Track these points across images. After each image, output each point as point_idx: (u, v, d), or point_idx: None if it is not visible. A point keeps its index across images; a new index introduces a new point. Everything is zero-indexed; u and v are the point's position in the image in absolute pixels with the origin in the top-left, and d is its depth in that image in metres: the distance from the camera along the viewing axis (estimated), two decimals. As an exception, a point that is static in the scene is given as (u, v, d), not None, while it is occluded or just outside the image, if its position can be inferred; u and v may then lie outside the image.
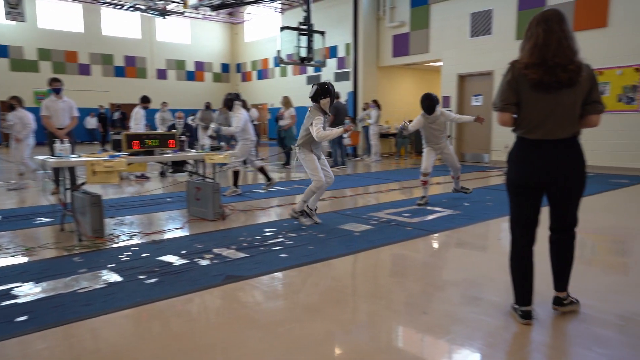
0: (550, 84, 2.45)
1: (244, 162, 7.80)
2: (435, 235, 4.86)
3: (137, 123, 9.38)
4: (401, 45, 14.36)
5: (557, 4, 10.75)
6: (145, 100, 9.60)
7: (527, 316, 2.64)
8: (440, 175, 10.12)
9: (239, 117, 7.11)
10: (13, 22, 19.12)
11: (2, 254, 4.16)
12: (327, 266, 3.85)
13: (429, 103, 6.26)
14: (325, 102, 5.04)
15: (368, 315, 2.89)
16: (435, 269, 3.83)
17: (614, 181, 8.46)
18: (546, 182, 2.62)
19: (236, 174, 7.40)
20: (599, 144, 10.39)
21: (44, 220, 5.56)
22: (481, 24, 12.29)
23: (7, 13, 18.20)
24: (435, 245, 4.59)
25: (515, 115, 2.69)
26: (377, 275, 3.72)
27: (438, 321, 2.74)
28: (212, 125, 7.55)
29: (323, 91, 5.04)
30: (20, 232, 4.99)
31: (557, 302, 2.80)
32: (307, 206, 5.28)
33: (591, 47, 10.41)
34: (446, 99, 13.23)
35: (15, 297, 3.13)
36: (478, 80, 12.67)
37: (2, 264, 3.89)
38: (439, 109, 6.37)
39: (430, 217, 5.66)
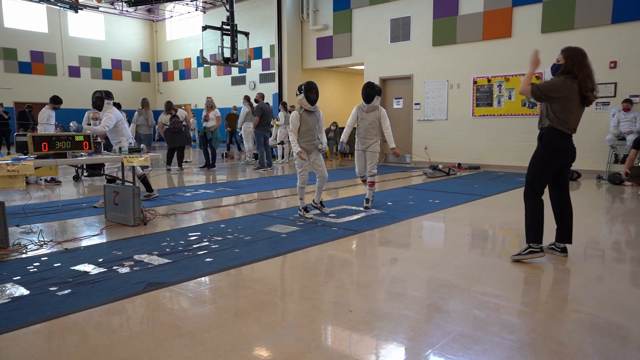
0: (589, 104, 3.85)
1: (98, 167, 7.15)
2: (360, 234, 4.99)
3: (44, 124, 8.67)
4: (325, 48, 14.59)
5: (468, 14, 11.47)
6: (55, 100, 8.90)
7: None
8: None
9: (109, 117, 6.37)
10: None
11: None
12: (253, 269, 3.82)
13: (369, 91, 6.04)
14: (299, 98, 5.56)
15: (295, 316, 2.90)
16: (360, 267, 3.93)
17: (520, 179, 9.18)
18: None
19: (144, 178, 6.97)
20: (507, 145, 11.23)
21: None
22: (400, 29, 12.80)
23: None
24: (360, 244, 4.72)
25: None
26: (303, 276, 3.75)
27: (363, 318, 2.82)
28: (71, 124, 6.69)
29: (298, 89, 5.55)
30: None
31: (564, 250, 4.09)
32: (313, 201, 5.99)
33: (498, 56, 11.24)
34: (369, 102, 13.61)
35: None
36: (399, 84, 13.19)
37: None
38: (379, 101, 6.11)
39: (355, 217, 5.79)
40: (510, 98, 11.07)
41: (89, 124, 9.59)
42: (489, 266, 3.79)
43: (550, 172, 3.88)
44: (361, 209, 6.28)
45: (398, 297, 3.17)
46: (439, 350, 2.42)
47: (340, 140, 6.36)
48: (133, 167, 5.52)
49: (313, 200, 5.99)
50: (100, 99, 6.45)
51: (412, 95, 12.77)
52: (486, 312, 2.89)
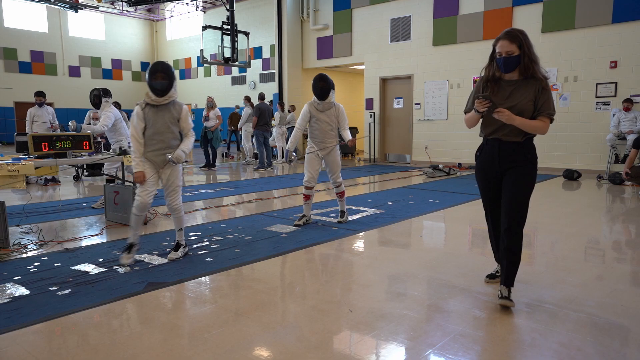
0: None
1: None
2: (361, 234, 4.99)
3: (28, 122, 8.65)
4: (325, 48, 14.58)
5: (468, 13, 11.46)
6: (37, 94, 8.85)
7: None
8: (365, 175, 10.41)
9: (107, 115, 6.25)
10: None
11: None
12: (254, 269, 3.82)
13: (322, 85, 5.03)
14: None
15: (296, 316, 2.90)
16: (361, 267, 3.93)
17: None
18: None
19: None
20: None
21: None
22: (401, 29, 12.79)
23: None
24: (361, 244, 4.71)
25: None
26: (304, 276, 3.75)
27: (363, 318, 2.82)
28: (70, 124, 6.60)
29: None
30: None
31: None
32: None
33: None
34: (369, 101, 13.63)
35: None
36: (399, 84, 13.18)
37: None
38: (334, 96, 5.15)
39: (356, 216, 5.79)
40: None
41: (89, 124, 9.60)
42: (490, 266, 3.78)
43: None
44: (362, 208, 6.27)
45: (398, 297, 3.16)
46: (440, 350, 2.41)
47: (287, 148, 5.37)
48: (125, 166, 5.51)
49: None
50: (98, 97, 6.34)
51: (412, 95, 12.76)
52: (487, 312, 2.89)
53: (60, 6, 19.16)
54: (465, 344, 2.48)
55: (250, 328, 2.69)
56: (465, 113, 3.13)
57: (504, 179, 3.00)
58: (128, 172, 6.05)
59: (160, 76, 3.78)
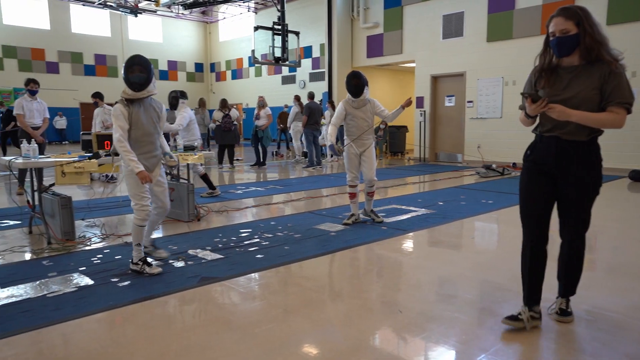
0: None
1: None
2: (410, 234, 4.92)
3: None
4: (375, 46, 14.48)
5: (525, 7, 11.02)
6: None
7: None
8: (415, 174, 10.26)
9: (183, 116, 6.76)
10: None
11: (-34, 259, 4.01)
12: (303, 266, 3.86)
13: (356, 82, 5.02)
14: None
15: (344, 314, 2.90)
16: (410, 267, 3.87)
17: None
18: None
19: (205, 176, 7.19)
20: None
21: (11, 223, 5.39)
22: (453, 25, 12.49)
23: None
24: (410, 244, 4.65)
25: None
26: (352, 275, 3.74)
27: (413, 320, 2.78)
28: None
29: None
30: (-14, 236, 4.83)
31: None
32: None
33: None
34: (420, 100, 13.40)
35: (-20, 302, 3.03)
36: (451, 81, 12.88)
37: (-33, 269, 3.75)
38: (368, 92, 5.13)
39: (405, 216, 5.72)
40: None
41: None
42: (547, 271, 3.63)
43: None
44: (411, 208, 6.19)
45: (450, 299, 3.10)
46: (493, 356, 2.34)
47: (329, 144, 5.20)
48: (187, 164, 5.71)
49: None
50: (175, 99, 6.87)
51: (464, 92, 12.43)
52: (543, 318, 2.77)
53: (122, 11, 20.20)
54: (519, 351, 2.39)
55: (299, 325, 2.72)
56: (520, 109, 2.64)
57: (559, 183, 2.55)
58: (194, 172, 6.38)
59: (137, 69, 3.49)
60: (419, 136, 13.42)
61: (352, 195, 5.28)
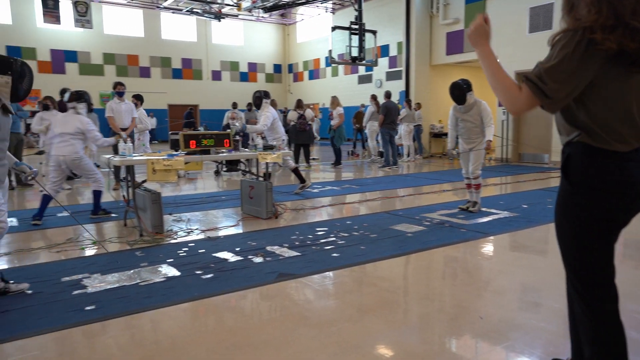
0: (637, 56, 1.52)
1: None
2: (491, 237, 4.72)
3: (142, 123, 8.73)
4: (455, 43, 14.02)
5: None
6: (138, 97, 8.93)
7: None
8: (497, 175, 9.81)
9: (267, 116, 6.93)
10: (81, 29, 20.30)
11: (73, 247, 4.44)
12: (378, 267, 3.83)
13: (459, 93, 5.59)
14: None
15: (420, 317, 2.85)
16: (491, 272, 3.71)
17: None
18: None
19: (296, 170, 7.60)
20: None
21: (113, 215, 5.87)
22: (541, 18, 11.78)
23: (77, 20, 19.41)
24: (491, 248, 4.46)
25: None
26: (429, 277, 3.66)
27: (495, 327, 2.66)
28: (237, 124, 7.37)
29: None
30: (88, 227, 5.29)
31: None
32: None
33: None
34: (502, 97, 12.78)
35: (84, 287, 3.33)
36: (537, 77, 12.14)
37: (73, 256, 4.15)
38: (473, 96, 5.60)
39: (486, 219, 5.49)
40: None
41: (227, 124, 10.56)
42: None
43: (602, 242, 1.73)
44: (492, 210, 5.92)
45: (534, 308, 2.93)
46: (583, 371, 2.18)
47: (448, 148, 6.21)
48: (267, 163, 5.88)
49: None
50: (259, 99, 7.13)
51: (552, 89, 11.67)
52: (643, 334, 2.54)
53: (207, 17, 21.28)
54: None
55: (374, 325, 2.71)
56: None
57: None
58: (284, 166, 6.63)
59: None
60: (501, 136, 12.81)
61: (467, 186, 6.02)
